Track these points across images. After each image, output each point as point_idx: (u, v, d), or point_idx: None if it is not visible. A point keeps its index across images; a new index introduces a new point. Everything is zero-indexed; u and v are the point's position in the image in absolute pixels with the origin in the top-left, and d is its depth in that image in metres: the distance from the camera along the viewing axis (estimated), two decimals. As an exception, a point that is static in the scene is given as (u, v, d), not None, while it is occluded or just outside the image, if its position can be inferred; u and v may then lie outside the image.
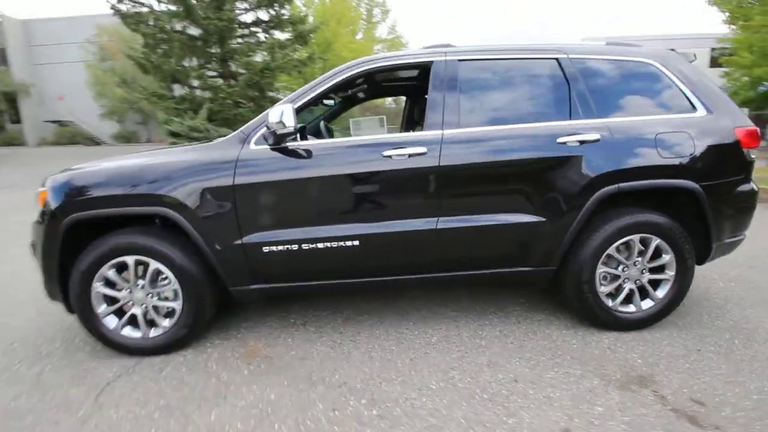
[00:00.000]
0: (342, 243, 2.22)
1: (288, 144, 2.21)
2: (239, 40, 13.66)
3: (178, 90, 13.37)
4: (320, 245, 2.22)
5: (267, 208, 2.22)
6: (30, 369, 2.26)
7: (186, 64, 12.94)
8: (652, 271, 2.43)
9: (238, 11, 13.20)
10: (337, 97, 3.42)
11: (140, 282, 2.27)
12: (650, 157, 2.27)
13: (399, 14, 52.45)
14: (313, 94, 2.30)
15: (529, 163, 2.24)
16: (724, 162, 2.39)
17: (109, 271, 2.22)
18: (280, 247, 2.22)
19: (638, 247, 2.37)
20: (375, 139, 2.29)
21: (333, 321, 2.71)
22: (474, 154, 2.23)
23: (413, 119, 3.67)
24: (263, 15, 13.81)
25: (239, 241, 2.21)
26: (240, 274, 2.28)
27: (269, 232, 2.22)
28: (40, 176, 2.65)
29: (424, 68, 2.36)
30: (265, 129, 2.21)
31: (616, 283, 2.43)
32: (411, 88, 3.62)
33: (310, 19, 16.68)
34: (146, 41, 12.55)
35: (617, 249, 2.36)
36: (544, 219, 2.28)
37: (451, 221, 2.25)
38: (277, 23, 13.78)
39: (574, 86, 2.34)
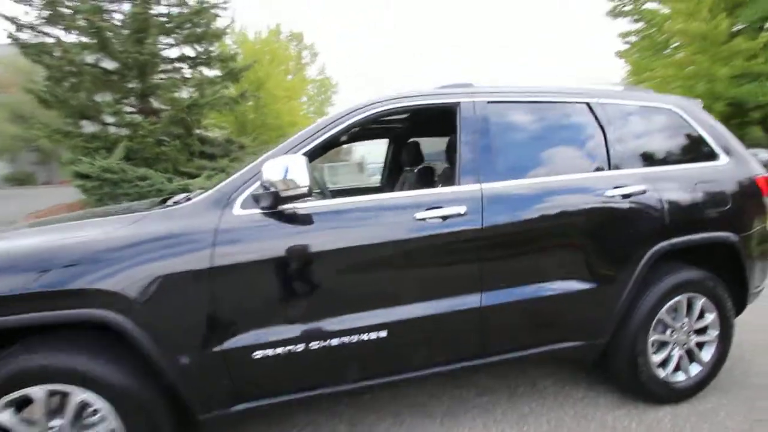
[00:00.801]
0: (365, 336, 1.66)
1: (284, 207, 1.63)
2: (162, 75, 12.56)
3: (88, 127, 11.77)
4: (334, 341, 1.63)
5: (261, 298, 1.60)
6: None
7: (98, 99, 11.52)
8: (697, 332, 2.19)
9: (161, 46, 12.19)
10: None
11: (55, 423, 1.48)
12: (696, 209, 2.09)
13: (327, 56, 53.65)
14: (320, 139, 1.75)
15: (584, 220, 1.92)
16: (754, 211, 2.27)
17: (2, 413, 1.42)
18: (279, 350, 1.59)
19: (685, 307, 2.13)
20: (401, 197, 1.82)
21: (335, 430, 2.06)
22: (523, 213, 1.84)
23: (398, 164, 3.26)
24: (189, 51, 12.94)
25: (218, 348, 1.55)
26: (217, 394, 1.60)
27: (262, 331, 1.59)
28: None
29: (448, 111, 1.96)
30: (257, 186, 1.62)
31: (665, 351, 2.15)
32: (396, 130, 3.23)
33: (240, 57, 16.08)
34: (50, 74, 11.00)
35: (666, 312, 2.09)
36: (596, 284, 1.94)
37: (497, 296, 1.81)
38: (205, 60, 12.96)
39: (609, 133, 2.10)
